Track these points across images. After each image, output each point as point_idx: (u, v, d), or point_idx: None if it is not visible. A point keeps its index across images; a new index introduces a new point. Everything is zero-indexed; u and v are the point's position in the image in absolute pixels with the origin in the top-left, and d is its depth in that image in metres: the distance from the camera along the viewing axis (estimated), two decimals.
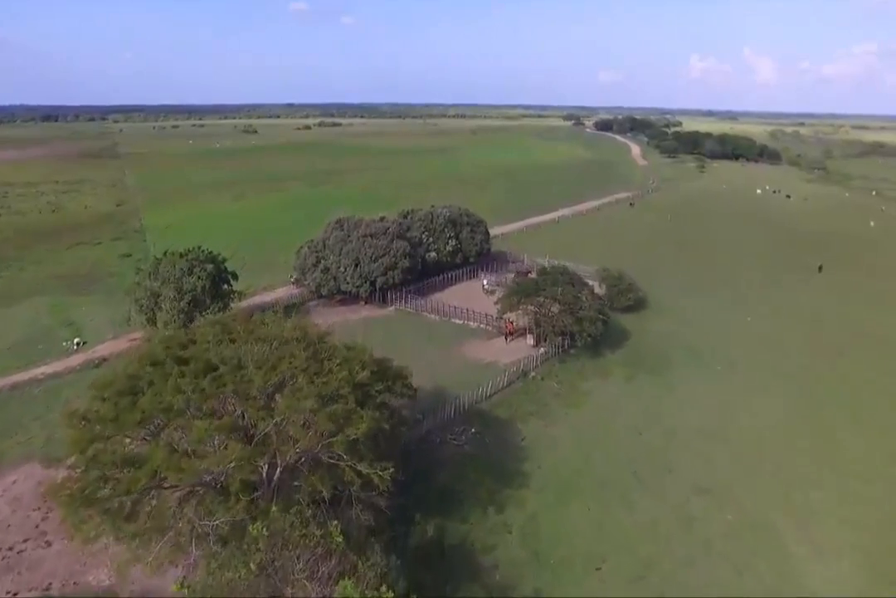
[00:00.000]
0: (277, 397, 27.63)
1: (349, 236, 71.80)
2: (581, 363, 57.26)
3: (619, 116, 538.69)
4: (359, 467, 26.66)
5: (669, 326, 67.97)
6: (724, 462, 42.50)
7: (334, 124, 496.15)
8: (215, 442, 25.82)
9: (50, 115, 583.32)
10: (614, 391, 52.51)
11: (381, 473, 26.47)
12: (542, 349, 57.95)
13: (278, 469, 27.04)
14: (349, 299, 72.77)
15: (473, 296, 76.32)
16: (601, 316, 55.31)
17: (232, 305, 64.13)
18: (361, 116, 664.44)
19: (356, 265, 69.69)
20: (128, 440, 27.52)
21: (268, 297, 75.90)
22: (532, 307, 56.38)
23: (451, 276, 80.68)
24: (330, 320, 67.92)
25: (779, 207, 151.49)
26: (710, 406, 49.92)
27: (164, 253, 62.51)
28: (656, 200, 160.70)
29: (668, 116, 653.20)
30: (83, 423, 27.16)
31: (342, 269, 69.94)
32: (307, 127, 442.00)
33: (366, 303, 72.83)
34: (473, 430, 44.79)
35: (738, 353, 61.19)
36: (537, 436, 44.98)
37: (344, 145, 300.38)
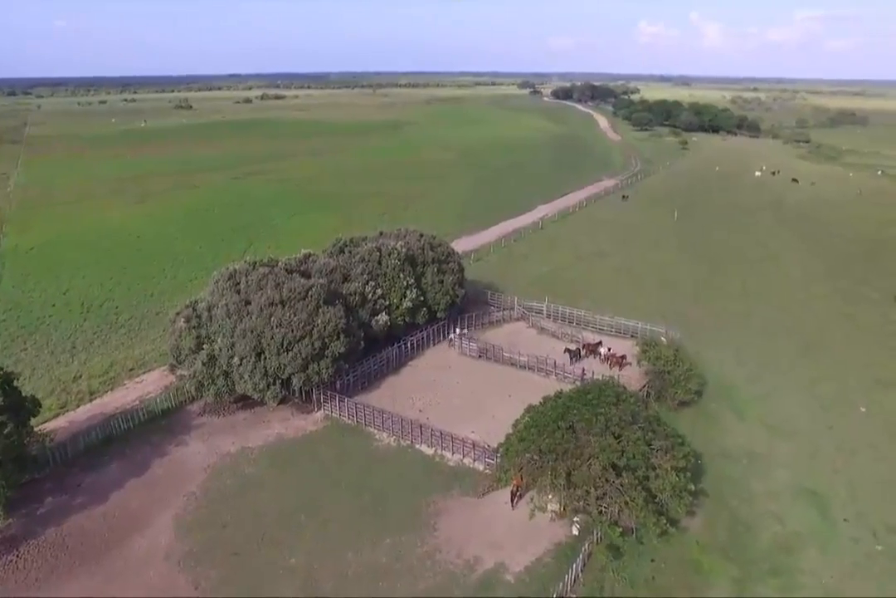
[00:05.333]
0: None
1: (248, 304, 45.28)
2: (647, 556, 32.70)
3: (578, 83, 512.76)
4: None
5: (753, 436, 43.82)
6: None
7: (277, 97, 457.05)
8: None
9: None
10: None
11: None
12: (575, 529, 33.20)
13: None
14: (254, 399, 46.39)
15: (444, 378, 50.91)
16: (688, 481, 30.56)
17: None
18: (308, 87, 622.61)
19: (258, 355, 43.37)
20: None
21: (129, 393, 49.04)
22: (561, 464, 31.28)
23: (411, 343, 54.91)
24: (217, 446, 41.98)
25: (792, 196, 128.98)
26: None
27: None
28: (649, 188, 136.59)
29: (622, 83, 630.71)
30: None
31: (236, 360, 43.59)
32: (247, 100, 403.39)
33: (280, 402, 46.79)
34: None
35: (882, 497, 37.55)
36: None
37: (285, 122, 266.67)
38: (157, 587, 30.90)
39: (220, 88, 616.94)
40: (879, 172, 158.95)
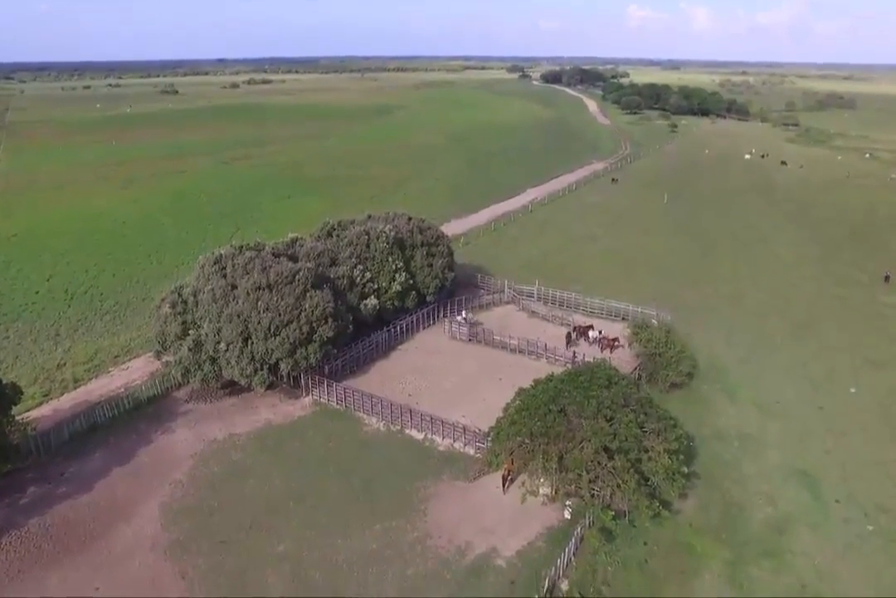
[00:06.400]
0: None
1: (234, 289, 44.49)
2: (639, 539, 32.49)
3: (567, 67, 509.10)
4: None
5: (745, 417, 43.71)
6: None
7: (265, 82, 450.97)
8: None
9: None
10: None
11: None
12: (567, 513, 32.93)
13: None
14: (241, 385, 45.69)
15: (434, 362, 50.43)
16: (680, 464, 30.32)
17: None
18: (296, 72, 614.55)
19: (245, 340, 42.68)
20: None
21: (115, 381, 48.26)
22: (552, 447, 30.94)
23: (401, 327, 54.31)
24: (204, 433, 41.34)
25: (780, 179, 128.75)
26: None
27: None
28: (638, 171, 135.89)
29: (611, 67, 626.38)
30: None
31: (222, 345, 42.88)
32: (235, 85, 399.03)
33: (268, 388, 46.15)
34: None
35: (873, 478, 37.54)
36: None
37: (273, 107, 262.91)
38: (143, 577, 30.38)
39: (206, 73, 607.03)
40: (867, 155, 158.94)
